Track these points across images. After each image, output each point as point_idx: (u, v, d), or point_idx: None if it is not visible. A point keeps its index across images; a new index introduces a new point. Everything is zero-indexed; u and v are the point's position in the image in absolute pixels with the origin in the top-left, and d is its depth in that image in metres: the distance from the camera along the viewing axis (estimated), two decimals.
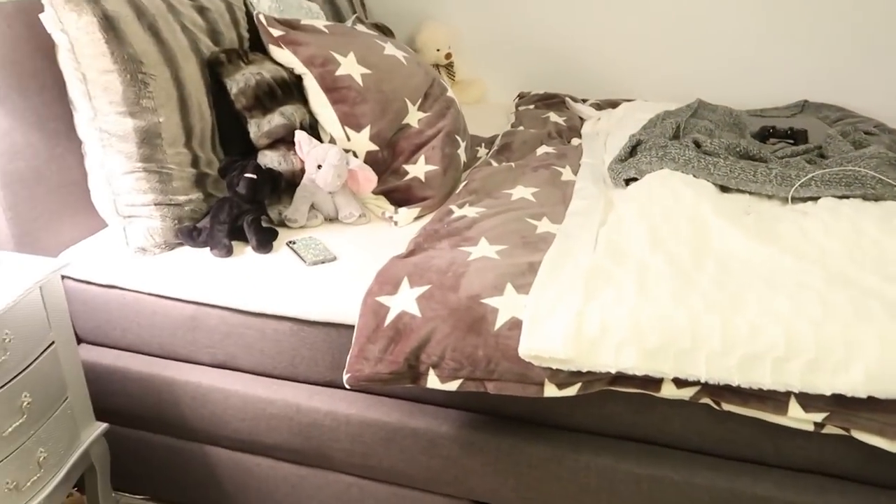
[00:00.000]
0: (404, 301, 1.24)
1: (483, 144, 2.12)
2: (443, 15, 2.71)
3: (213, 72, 1.61)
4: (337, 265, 1.42)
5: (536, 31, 2.65)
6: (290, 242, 1.50)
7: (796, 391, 1.07)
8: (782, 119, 2.19)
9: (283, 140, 1.65)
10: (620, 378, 1.15)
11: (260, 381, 1.45)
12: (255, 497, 1.54)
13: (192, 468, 1.56)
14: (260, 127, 1.61)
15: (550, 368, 1.14)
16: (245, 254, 1.48)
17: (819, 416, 1.09)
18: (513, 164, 1.87)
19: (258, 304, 1.38)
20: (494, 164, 1.87)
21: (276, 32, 1.69)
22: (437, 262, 1.31)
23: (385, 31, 2.16)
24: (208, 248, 1.48)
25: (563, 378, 1.15)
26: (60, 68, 1.42)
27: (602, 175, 1.80)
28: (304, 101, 1.72)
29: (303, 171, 1.63)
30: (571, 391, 1.16)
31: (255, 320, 1.41)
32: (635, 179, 1.67)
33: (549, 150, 1.96)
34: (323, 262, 1.43)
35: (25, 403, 1.20)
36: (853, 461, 1.17)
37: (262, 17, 1.70)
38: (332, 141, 1.72)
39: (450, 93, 1.95)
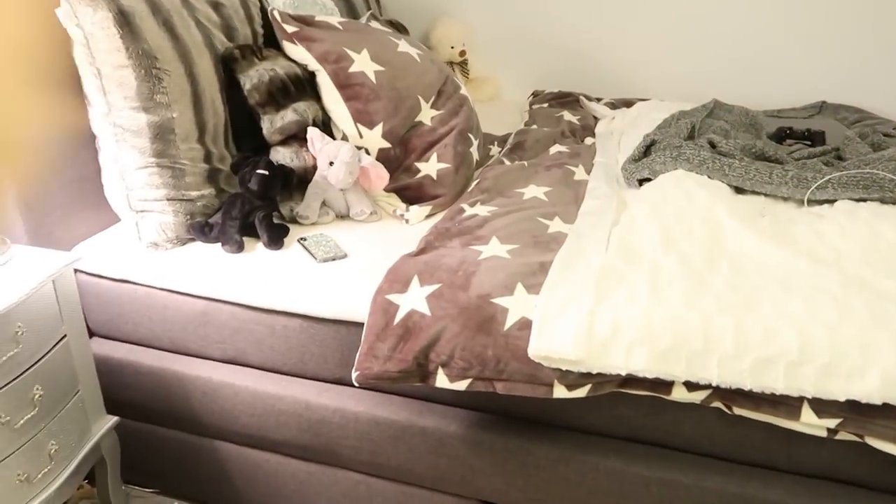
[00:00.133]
0: (414, 299, 1.24)
1: (496, 143, 2.11)
2: (457, 12, 2.70)
3: (227, 67, 1.62)
4: (347, 262, 1.42)
5: (551, 29, 2.63)
6: (301, 239, 1.50)
7: (810, 396, 1.06)
8: (799, 120, 2.16)
9: (296, 136, 1.65)
10: (631, 380, 1.14)
11: (269, 378, 1.45)
12: (263, 492, 1.54)
13: (201, 463, 1.56)
14: (273, 123, 1.62)
15: (560, 369, 1.13)
16: (256, 250, 1.48)
17: (832, 423, 1.07)
18: (525, 162, 1.86)
19: (269, 301, 1.38)
20: (507, 162, 1.86)
21: (290, 29, 1.69)
22: (447, 261, 1.31)
23: (399, 28, 2.16)
24: (220, 244, 1.49)
25: (573, 379, 1.14)
26: (75, 63, 1.43)
27: (615, 175, 1.79)
28: (317, 97, 1.72)
29: (315, 167, 1.63)
30: (581, 393, 1.15)
31: (265, 316, 1.41)
32: (649, 180, 1.65)
33: (563, 149, 1.95)
34: (334, 260, 1.43)
35: (37, 396, 1.21)
36: (866, 468, 1.15)
37: (276, 13, 1.70)
38: (345, 138, 1.71)
39: (463, 90, 1.94)
